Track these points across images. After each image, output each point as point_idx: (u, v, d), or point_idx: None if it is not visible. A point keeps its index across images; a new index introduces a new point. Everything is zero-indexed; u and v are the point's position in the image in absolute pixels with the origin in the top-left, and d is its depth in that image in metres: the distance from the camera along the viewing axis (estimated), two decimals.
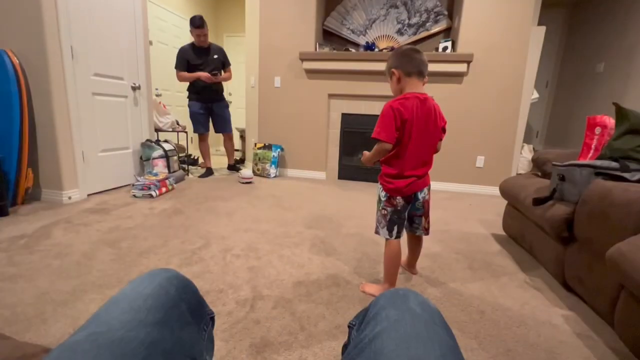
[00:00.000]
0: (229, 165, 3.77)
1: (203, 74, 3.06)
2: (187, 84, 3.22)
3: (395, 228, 1.23)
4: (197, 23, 2.92)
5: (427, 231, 1.35)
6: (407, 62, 1.17)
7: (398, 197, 1.21)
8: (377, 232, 1.28)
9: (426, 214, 1.32)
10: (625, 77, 3.34)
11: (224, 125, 3.42)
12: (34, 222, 1.86)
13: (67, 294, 1.17)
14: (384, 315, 0.37)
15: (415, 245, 1.39)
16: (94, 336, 0.28)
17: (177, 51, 3.13)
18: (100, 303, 1.13)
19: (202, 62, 3.11)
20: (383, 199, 1.24)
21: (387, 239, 1.25)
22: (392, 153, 1.19)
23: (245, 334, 1.00)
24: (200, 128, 3.31)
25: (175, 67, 3.11)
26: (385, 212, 1.23)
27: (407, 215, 1.27)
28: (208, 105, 3.26)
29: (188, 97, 3.25)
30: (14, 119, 2.03)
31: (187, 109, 3.29)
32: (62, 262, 1.41)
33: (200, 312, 0.40)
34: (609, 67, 3.59)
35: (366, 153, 1.25)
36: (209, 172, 3.43)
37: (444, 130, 1.25)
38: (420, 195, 1.26)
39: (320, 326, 1.06)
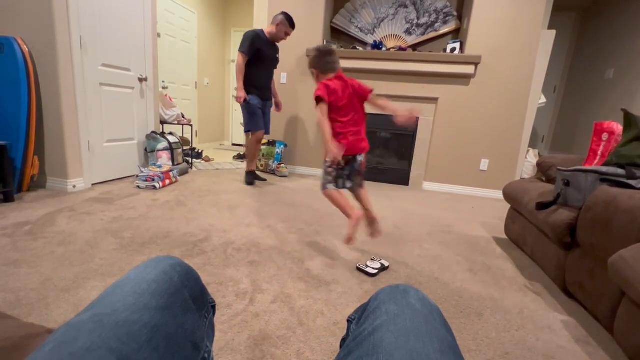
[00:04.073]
0: (249, 168, 3.14)
1: (241, 95, 2.76)
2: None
3: (338, 181, 1.55)
4: (293, 23, 2.77)
5: (362, 184, 1.64)
6: (323, 64, 1.55)
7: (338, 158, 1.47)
8: (323, 187, 1.54)
9: (361, 174, 1.62)
10: (635, 84, 3.30)
11: (268, 127, 3.06)
12: (39, 210, 1.87)
13: (70, 281, 1.18)
14: (383, 310, 0.38)
15: (362, 201, 1.63)
16: (99, 317, 0.28)
17: (185, 44, 3.02)
18: (102, 291, 1.15)
19: (270, 57, 2.85)
20: (328, 159, 1.47)
21: (326, 190, 1.54)
22: (332, 119, 1.50)
23: (244, 326, 1.01)
24: (260, 124, 2.89)
25: (243, 52, 2.71)
26: (330, 170, 1.53)
27: (345, 174, 1.57)
28: (263, 102, 2.93)
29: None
30: (22, 106, 2.04)
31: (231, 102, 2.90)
32: (65, 249, 1.42)
33: (202, 300, 0.41)
34: (618, 74, 3.55)
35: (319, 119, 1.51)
36: (254, 176, 3.03)
37: (363, 90, 1.58)
38: (359, 158, 1.57)
39: (319, 322, 1.06)
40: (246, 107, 2.83)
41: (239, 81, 2.75)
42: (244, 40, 2.71)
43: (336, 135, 1.51)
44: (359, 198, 1.63)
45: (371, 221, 1.63)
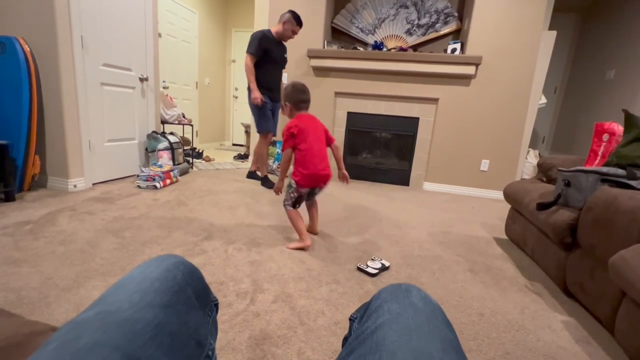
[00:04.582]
0: (262, 174, 3.05)
1: (257, 96, 2.68)
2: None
3: (295, 205, 1.72)
4: (300, 21, 2.72)
5: (314, 200, 1.84)
6: (297, 99, 1.72)
7: (303, 188, 1.67)
8: (285, 205, 1.72)
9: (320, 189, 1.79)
10: (635, 85, 3.30)
11: (275, 128, 3.01)
12: (40, 209, 1.88)
13: (71, 280, 1.19)
14: (386, 309, 0.38)
15: (311, 213, 1.83)
16: (103, 314, 0.28)
17: (185, 44, 3.01)
18: (103, 290, 1.15)
19: (278, 57, 2.81)
20: (293, 185, 1.68)
21: (287, 209, 1.71)
22: (298, 156, 1.65)
23: (245, 326, 1.01)
24: (271, 125, 2.86)
25: (251, 53, 2.64)
26: (293, 195, 1.70)
27: (305, 196, 1.75)
28: (272, 103, 2.88)
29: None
30: (23, 105, 2.05)
31: (247, 102, 2.84)
32: (66, 248, 1.42)
33: (205, 298, 0.41)
34: (619, 74, 3.55)
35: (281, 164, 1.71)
36: (266, 180, 2.95)
37: (327, 134, 1.76)
38: (317, 189, 1.75)
39: (320, 321, 1.06)
40: (257, 107, 2.76)
41: (252, 82, 2.69)
42: (252, 40, 2.66)
43: (302, 163, 1.64)
44: (309, 208, 1.83)
45: (313, 232, 1.84)
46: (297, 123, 1.65)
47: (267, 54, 2.69)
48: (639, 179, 1.22)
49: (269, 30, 2.73)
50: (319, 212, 1.91)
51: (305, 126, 1.65)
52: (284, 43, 2.87)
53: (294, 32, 2.75)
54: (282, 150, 1.68)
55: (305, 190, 1.69)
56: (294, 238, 1.74)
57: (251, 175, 3.16)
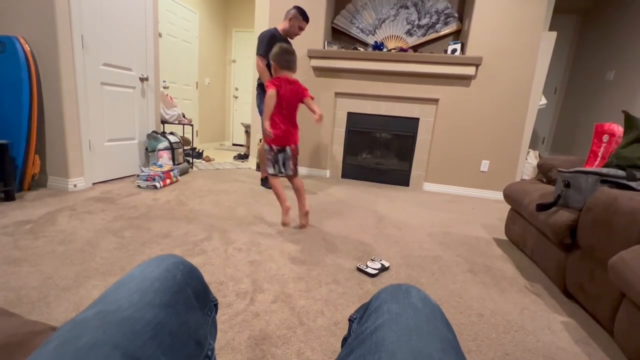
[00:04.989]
0: (263, 175, 3.00)
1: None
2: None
3: (275, 166, 1.84)
4: (307, 16, 2.66)
5: (294, 171, 1.90)
6: (282, 60, 1.79)
7: (274, 146, 1.82)
8: (268, 173, 1.87)
9: (293, 159, 1.88)
10: (635, 86, 3.30)
11: None
12: (40, 208, 1.88)
13: (71, 280, 1.19)
14: (385, 309, 0.38)
15: (297, 192, 1.90)
16: (103, 314, 0.28)
17: (186, 44, 2.98)
18: (103, 290, 1.15)
19: None
20: (267, 147, 1.85)
21: (271, 175, 1.86)
22: (271, 115, 1.77)
23: (245, 326, 1.01)
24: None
25: (259, 53, 2.58)
26: (269, 156, 1.84)
27: (280, 160, 1.86)
28: None
29: (263, 93, 2.74)
30: (23, 105, 2.05)
31: (255, 105, 2.74)
32: (66, 248, 1.42)
33: (204, 298, 0.41)
34: (619, 75, 3.56)
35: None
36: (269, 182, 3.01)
37: (303, 94, 1.85)
38: (288, 149, 1.85)
39: (319, 322, 1.06)
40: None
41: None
42: (260, 41, 2.59)
43: (272, 123, 1.80)
44: (294, 188, 1.92)
45: (303, 213, 1.90)
46: (278, 85, 1.76)
47: None
48: (638, 180, 1.22)
49: (275, 29, 2.66)
50: (318, 208, 1.91)
51: (283, 91, 1.77)
52: (291, 41, 2.78)
53: (301, 28, 2.67)
54: (266, 89, 1.79)
55: (277, 149, 1.84)
56: (292, 238, 1.74)
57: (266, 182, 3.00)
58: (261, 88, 2.70)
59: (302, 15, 2.62)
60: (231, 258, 1.46)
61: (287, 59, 1.81)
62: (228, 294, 1.17)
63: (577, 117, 4.18)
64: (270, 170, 1.86)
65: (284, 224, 1.87)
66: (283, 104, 1.79)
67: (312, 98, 1.88)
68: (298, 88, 1.84)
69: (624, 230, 1.03)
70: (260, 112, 2.76)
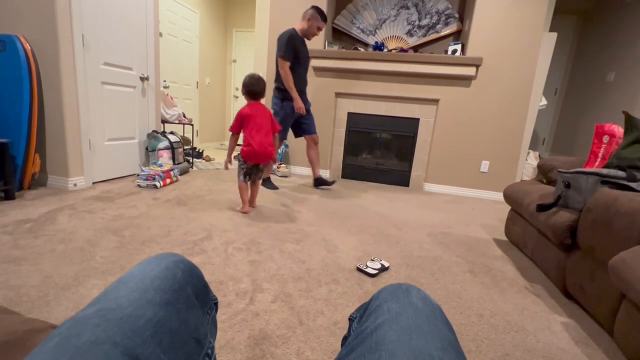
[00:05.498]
0: (318, 179, 2.99)
1: (301, 105, 2.63)
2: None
3: (245, 177, 2.12)
4: (325, 16, 2.62)
5: (260, 178, 2.23)
6: (249, 90, 2.07)
7: (248, 162, 2.07)
8: (238, 177, 2.12)
9: (261, 173, 2.20)
10: (635, 87, 3.30)
11: (314, 127, 2.87)
12: (40, 207, 1.88)
13: (70, 279, 1.19)
14: (385, 308, 0.38)
15: (252, 191, 2.22)
16: (103, 312, 0.28)
17: (186, 43, 2.98)
18: (103, 289, 1.15)
19: (306, 56, 2.70)
20: (240, 160, 2.08)
21: (241, 181, 2.12)
22: (245, 136, 2.03)
23: (244, 325, 1.01)
24: (285, 134, 2.79)
25: (283, 56, 2.52)
26: (242, 168, 2.10)
27: (252, 172, 2.14)
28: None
29: (281, 96, 2.66)
30: (23, 104, 2.05)
31: (275, 107, 2.72)
32: (66, 247, 1.42)
33: (205, 297, 0.41)
34: (619, 77, 3.56)
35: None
36: (270, 182, 2.89)
37: (274, 122, 2.14)
38: (260, 167, 2.14)
39: (319, 322, 1.06)
40: (285, 112, 2.67)
41: (293, 90, 2.57)
42: (281, 43, 2.52)
43: (247, 142, 2.04)
44: (251, 188, 2.21)
45: (252, 205, 2.24)
46: (247, 111, 2.02)
47: (296, 55, 2.58)
48: (639, 181, 1.22)
49: (294, 30, 2.58)
50: (318, 208, 1.90)
51: (253, 113, 2.02)
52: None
53: (319, 28, 2.63)
54: (230, 131, 2.08)
55: (250, 164, 2.08)
56: (292, 238, 1.74)
57: (320, 182, 2.98)
58: (279, 92, 2.66)
59: (320, 15, 2.59)
60: (231, 257, 1.46)
61: (253, 90, 2.06)
62: (228, 294, 1.17)
63: (578, 118, 4.18)
64: (241, 178, 2.11)
65: (243, 213, 2.13)
66: (254, 124, 2.02)
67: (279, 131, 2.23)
68: (267, 114, 2.10)
69: (624, 231, 1.03)
70: (278, 115, 2.68)
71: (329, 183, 2.99)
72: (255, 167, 2.12)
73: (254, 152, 2.01)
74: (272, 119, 2.11)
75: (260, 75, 2.10)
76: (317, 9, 2.59)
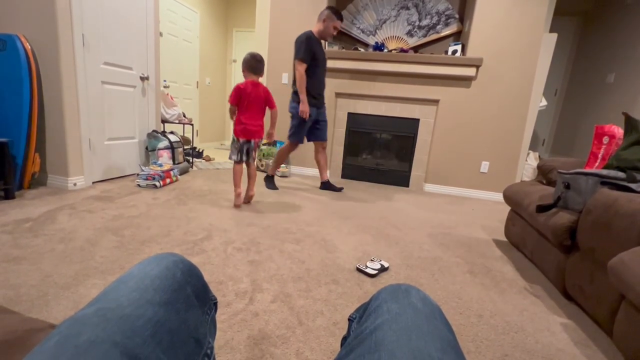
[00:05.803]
0: (326, 183, 3.00)
1: (307, 110, 2.59)
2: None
3: (238, 155, 2.17)
4: (340, 15, 2.58)
5: (253, 159, 2.26)
6: (249, 66, 2.14)
7: (241, 138, 2.15)
8: (230, 157, 2.19)
9: (255, 150, 2.23)
10: (635, 88, 3.31)
11: (325, 134, 2.86)
12: (40, 207, 1.88)
13: (70, 278, 1.19)
14: (385, 309, 0.38)
15: (249, 178, 2.28)
16: (103, 311, 0.28)
17: (186, 43, 2.98)
18: (102, 288, 1.15)
19: (323, 58, 2.67)
20: (234, 137, 2.17)
21: (235, 162, 2.19)
22: (238, 113, 2.14)
23: (244, 325, 1.01)
24: (303, 136, 2.74)
25: (302, 58, 2.49)
26: (235, 146, 2.16)
27: (244, 150, 2.19)
28: (318, 111, 2.75)
29: (299, 101, 2.61)
30: (23, 103, 2.05)
31: (290, 112, 2.71)
32: (65, 246, 1.42)
33: (204, 297, 0.41)
34: (619, 78, 3.56)
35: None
36: (272, 182, 2.89)
37: (269, 101, 2.23)
38: (252, 141, 2.18)
39: (318, 322, 1.06)
40: (301, 117, 2.63)
41: (303, 93, 2.55)
42: (299, 45, 2.50)
43: (239, 122, 2.14)
44: (249, 173, 2.28)
45: (249, 195, 2.28)
46: (244, 87, 2.09)
47: (314, 58, 2.54)
48: (638, 182, 1.22)
49: (311, 32, 2.55)
50: (318, 208, 1.90)
51: (249, 91, 2.10)
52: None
53: (336, 28, 2.59)
54: (229, 102, 2.14)
55: (243, 141, 2.15)
56: (292, 238, 1.74)
57: (327, 186, 2.98)
58: (298, 96, 2.62)
59: (335, 14, 2.57)
60: (231, 258, 1.46)
61: (253, 66, 2.13)
62: (227, 294, 1.17)
63: (578, 119, 4.18)
64: (234, 157, 2.17)
65: (236, 206, 2.19)
66: (247, 103, 2.10)
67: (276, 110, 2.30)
68: (266, 92, 2.18)
69: (623, 232, 1.03)
70: (293, 119, 2.68)
71: (337, 189, 2.95)
72: (247, 144, 2.17)
73: (245, 129, 2.12)
74: (267, 98, 2.20)
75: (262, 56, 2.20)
76: (332, 8, 2.56)
